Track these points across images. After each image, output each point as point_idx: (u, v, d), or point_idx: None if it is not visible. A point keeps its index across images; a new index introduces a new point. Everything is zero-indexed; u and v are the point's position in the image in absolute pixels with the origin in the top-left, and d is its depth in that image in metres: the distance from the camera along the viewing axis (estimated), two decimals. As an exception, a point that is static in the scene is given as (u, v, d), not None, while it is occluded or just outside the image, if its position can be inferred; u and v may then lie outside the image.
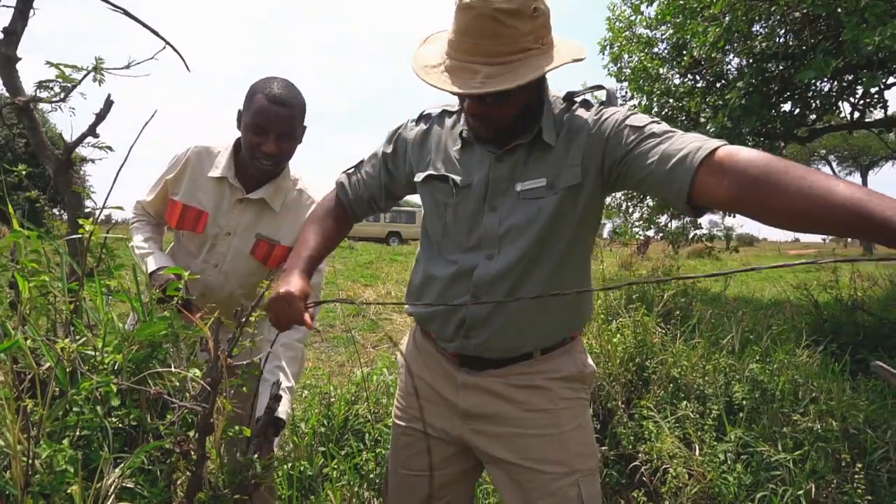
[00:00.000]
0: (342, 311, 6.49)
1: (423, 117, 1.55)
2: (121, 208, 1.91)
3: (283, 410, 1.63)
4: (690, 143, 1.12)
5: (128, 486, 1.14)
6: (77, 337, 1.28)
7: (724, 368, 3.35)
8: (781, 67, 5.78)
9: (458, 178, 1.40)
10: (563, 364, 1.46)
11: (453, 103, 1.51)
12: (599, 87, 1.42)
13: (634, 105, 7.55)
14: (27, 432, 1.03)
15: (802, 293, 5.79)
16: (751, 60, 5.71)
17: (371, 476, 2.51)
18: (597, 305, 4.10)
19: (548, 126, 1.33)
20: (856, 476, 2.34)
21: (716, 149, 1.08)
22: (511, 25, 1.16)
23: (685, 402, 3.05)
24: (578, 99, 1.38)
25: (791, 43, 5.45)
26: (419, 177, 1.49)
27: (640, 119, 1.25)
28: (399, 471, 1.60)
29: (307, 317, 1.36)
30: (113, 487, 1.11)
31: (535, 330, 1.41)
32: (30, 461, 1.00)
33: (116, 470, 1.12)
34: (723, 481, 2.54)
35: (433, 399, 1.54)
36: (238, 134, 1.82)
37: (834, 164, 32.53)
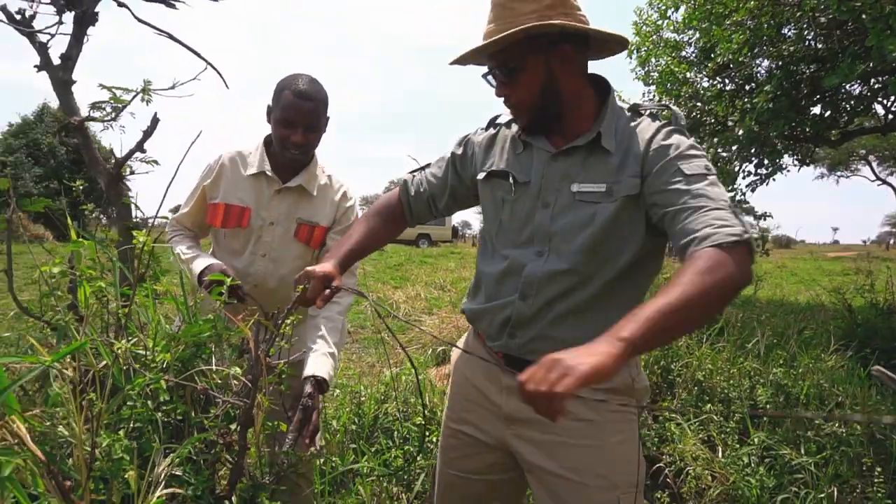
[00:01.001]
0: (372, 313, 6.62)
1: (492, 123, 1.62)
2: (165, 218, 2.05)
3: (325, 371, 1.75)
4: (701, 230, 1.13)
5: (176, 473, 1.23)
6: (130, 338, 1.40)
7: (748, 372, 3.36)
8: (811, 70, 5.72)
9: (517, 175, 1.45)
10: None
11: None
12: (666, 107, 1.40)
13: (662, 109, 7.51)
14: (88, 423, 1.14)
15: (837, 297, 5.71)
16: (780, 63, 5.66)
17: (399, 472, 2.61)
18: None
19: (608, 131, 1.34)
20: (876, 480, 2.34)
21: (702, 249, 1.10)
22: (512, 7, 1.31)
23: (709, 405, 3.07)
24: (644, 112, 1.40)
25: (820, 46, 5.39)
26: (482, 175, 1.54)
27: (693, 167, 1.24)
28: (446, 470, 1.63)
29: (320, 299, 1.43)
30: (163, 475, 1.22)
31: (581, 338, 1.33)
32: (91, 450, 1.11)
33: (166, 459, 1.22)
34: (745, 483, 2.57)
35: (479, 401, 1.54)
36: (265, 131, 2.01)
37: (874, 165, 31.63)
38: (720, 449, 2.81)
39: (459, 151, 1.64)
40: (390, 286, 9.96)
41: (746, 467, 2.67)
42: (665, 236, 1.33)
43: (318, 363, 1.76)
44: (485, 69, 1.42)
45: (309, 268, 1.46)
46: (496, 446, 1.52)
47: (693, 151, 1.26)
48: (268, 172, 1.97)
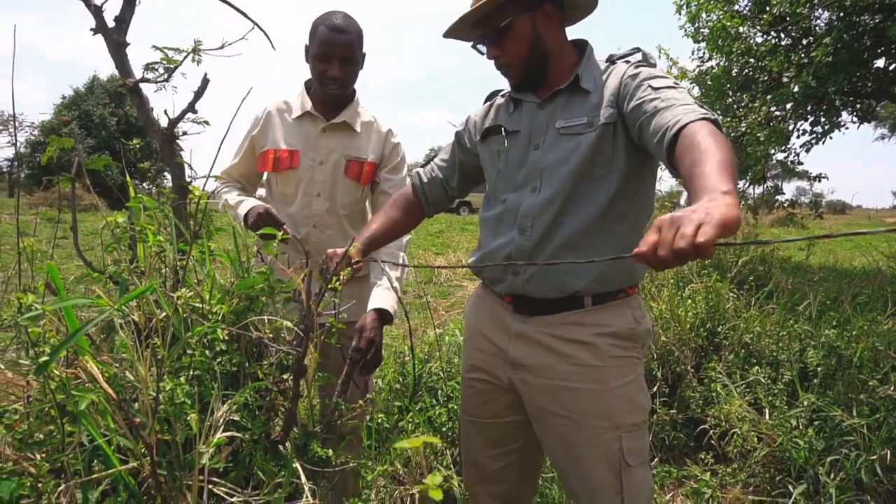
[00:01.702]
0: (415, 277, 6.69)
1: (488, 97, 1.76)
2: (216, 177, 2.09)
3: (388, 304, 1.84)
4: (672, 118, 1.19)
5: (234, 419, 1.29)
6: (188, 289, 1.45)
7: (799, 335, 3.28)
8: (876, 20, 5.39)
9: (507, 126, 1.59)
10: (614, 319, 1.47)
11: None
12: (637, 50, 1.53)
13: (712, 66, 7.24)
14: (152, 369, 1.21)
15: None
16: (841, 14, 5.35)
17: (443, 429, 2.67)
18: (667, 272, 4.07)
19: (586, 74, 1.48)
20: (933, 442, 2.28)
21: (686, 125, 1.15)
22: None
23: (756, 368, 3.03)
24: (617, 60, 1.52)
25: (887, -6, 5.07)
26: (478, 137, 1.69)
27: (660, 82, 1.34)
28: (466, 418, 1.74)
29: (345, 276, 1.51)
30: (222, 420, 1.28)
31: (581, 271, 1.45)
32: (155, 393, 1.18)
33: (224, 406, 1.28)
34: (793, 445, 2.54)
35: (488, 349, 1.63)
36: (304, 76, 2.07)
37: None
38: (767, 411, 2.78)
39: (462, 127, 1.78)
40: (431, 252, 10.03)
41: (794, 429, 2.63)
42: (645, 162, 1.46)
43: (382, 296, 1.86)
44: (471, 44, 1.57)
45: (329, 250, 1.57)
46: (508, 388, 1.60)
47: (660, 74, 1.38)
48: (311, 111, 2.03)
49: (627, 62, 1.49)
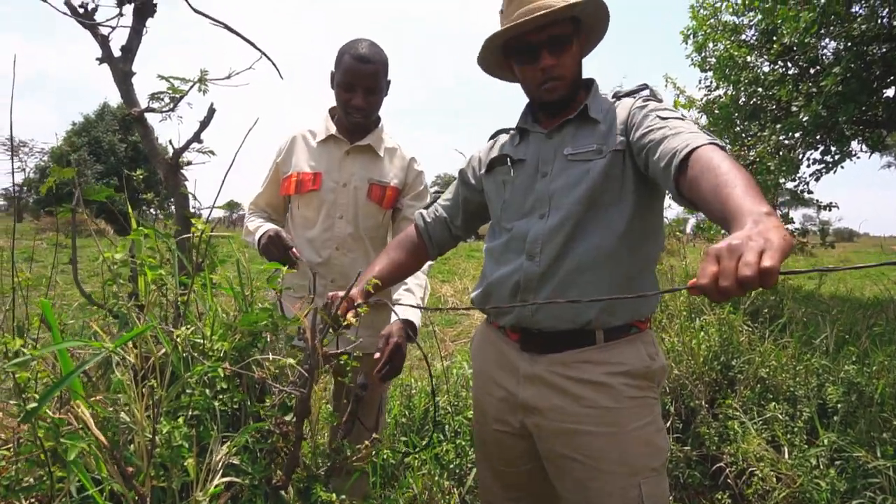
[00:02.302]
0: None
1: (492, 136, 1.76)
2: (223, 208, 2.07)
3: (414, 317, 1.82)
4: (681, 143, 1.19)
5: (234, 462, 1.23)
6: (188, 326, 1.40)
7: (816, 369, 3.19)
8: (885, 50, 5.39)
9: (513, 156, 1.58)
10: (628, 356, 1.42)
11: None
12: (645, 87, 1.54)
13: (720, 95, 7.25)
14: (149, 410, 1.15)
15: (908, 292, 5.40)
16: (849, 44, 5.35)
17: (451, 466, 2.58)
18: (678, 302, 4.00)
19: (595, 105, 1.49)
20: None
21: (696, 148, 1.14)
22: None
23: (773, 404, 2.94)
24: (623, 96, 1.53)
25: (895, 24, 5.07)
26: (484, 170, 1.66)
27: (668, 113, 1.34)
28: (484, 464, 1.67)
29: (351, 316, 1.50)
30: (221, 463, 1.22)
31: (593, 293, 1.40)
32: (151, 436, 1.12)
33: (223, 448, 1.22)
34: (814, 486, 2.44)
35: (498, 394, 1.56)
36: (329, 103, 2.10)
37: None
38: (786, 449, 2.68)
39: (466, 165, 1.78)
40: (438, 280, 9.97)
41: (815, 469, 2.54)
42: (653, 194, 1.45)
43: (408, 311, 1.83)
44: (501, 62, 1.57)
45: (331, 293, 1.53)
46: (521, 434, 1.53)
47: (668, 107, 1.38)
48: (336, 134, 2.04)
49: (634, 97, 1.49)
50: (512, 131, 1.68)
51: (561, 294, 1.40)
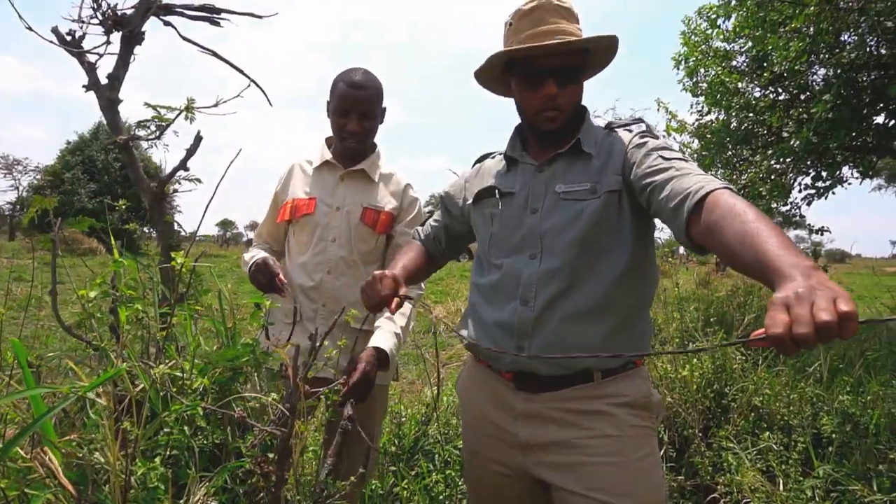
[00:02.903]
0: (413, 328, 6.58)
1: (477, 160, 1.73)
2: (205, 237, 2.04)
3: (386, 344, 1.81)
4: (694, 184, 1.16)
5: (212, 503, 1.19)
6: (167, 360, 1.37)
7: (810, 398, 3.16)
8: (873, 77, 5.45)
9: (502, 188, 1.53)
10: (627, 389, 1.39)
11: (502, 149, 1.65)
12: (640, 121, 1.50)
13: (711, 120, 7.30)
14: (124, 450, 1.11)
15: (900, 316, 5.38)
16: (839, 71, 5.41)
17: (440, 498, 2.53)
18: (671, 329, 3.97)
19: (587, 138, 1.44)
20: (962, 522, 2.15)
21: (712, 191, 1.11)
22: (570, 17, 1.41)
23: (768, 433, 2.90)
24: (618, 128, 1.49)
25: (884, 52, 5.12)
26: (470, 200, 1.62)
27: (671, 153, 1.31)
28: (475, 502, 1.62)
29: (393, 305, 1.42)
30: (199, 504, 1.18)
31: (589, 339, 1.36)
32: (126, 477, 1.08)
33: (202, 488, 1.18)
34: (810, 520, 2.40)
35: (492, 433, 1.51)
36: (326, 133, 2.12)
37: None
38: (781, 481, 2.64)
39: (447, 191, 1.76)
40: (431, 300, 9.93)
41: (810, 501, 2.49)
42: (648, 231, 1.43)
43: (383, 337, 1.83)
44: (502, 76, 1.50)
45: (377, 272, 1.48)
46: (520, 476, 1.47)
47: (669, 146, 1.35)
48: (330, 160, 2.06)
49: (629, 131, 1.45)
50: (498, 156, 1.64)
51: (556, 340, 1.36)
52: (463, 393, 1.65)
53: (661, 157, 1.30)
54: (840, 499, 2.51)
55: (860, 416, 2.88)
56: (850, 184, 6.59)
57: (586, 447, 1.36)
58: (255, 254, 2.04)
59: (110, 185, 28.61)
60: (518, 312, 1.40)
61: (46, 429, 1.01)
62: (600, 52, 1.44)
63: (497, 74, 1.52)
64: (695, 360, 3.46)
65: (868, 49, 5.14)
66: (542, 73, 1.39)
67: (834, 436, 2.81)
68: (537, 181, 1.47)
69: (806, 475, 2.66)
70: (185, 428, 1.26)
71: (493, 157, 1.67)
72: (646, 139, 1.39)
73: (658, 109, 7.88)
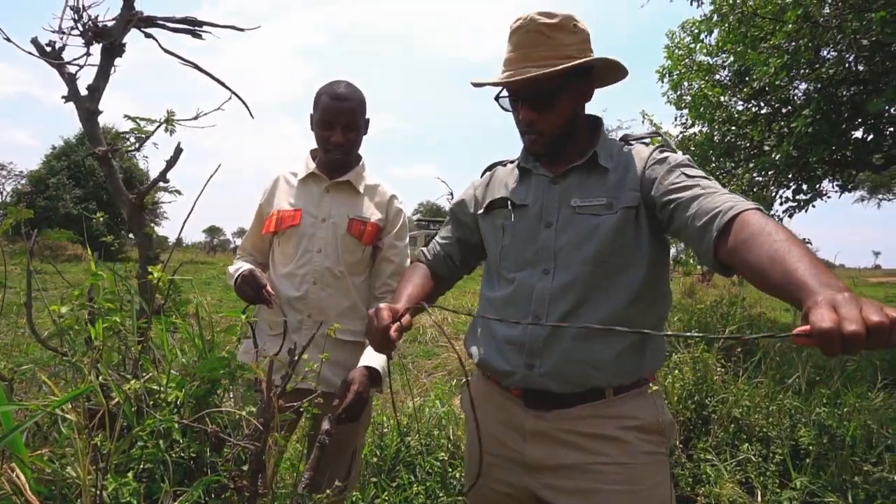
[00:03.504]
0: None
1: (488, 168, 1.71)
2: (194, 245, 2.04)
3: (377, 363, 1.83)
4: (723, 204, 1.13)
5: (185, 518, 1.18)
6: (143, 373, 1.37)
7: (789, 410, 3.20)
8: (852, 92, 5.55)
9: (514, 200, 1.50)
10: (639, 410, 1.36)
11: (514, 157, 1.64)
12: (656, 134, 1.50)
13: (695, 133, 7.38)
14: (96, 465, 1.11)
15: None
16: (819, 86, 5.50)
17: (421, 510, 2.53)
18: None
19: (604, 151, 1.41)
20: (934, 534, 2.18)
21: (743, 211, 1.09)
22: (554, 37, 1.35)
23: (747, 445, 2.93)
24: (634, 141, 1.47)
25: (861, 68, 5.22)
26: (481, 210, 1.59)
27: (694, 171, 1.29)
28: None
29: (392, 330, 1.31)
30: (172, 519, 1.17)
31: (602, 357, 1.33)
32: (98, 493, 1.08)
33: (176, 503, 1.17)
34: (787, 531, 2.42)
35: (499, 452, 1.47)
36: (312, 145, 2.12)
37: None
38: (759, 492, 2.67)
39: (455, 204, 1.73)
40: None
41: (788, 513, 2.52)
42: (664, 249, 1.40)
43: (373, 356, 1.85)
44: (495, 91, 1.46)
45: (382, 304, 1.39)
46: (525, 497, 1.44)
47: (691, 164, 1.34)
48: (315, 171, 2.07)
49: (646, 144, 1.44)
50: (510, 165, 1.61)
51: (568, 358, 1.33)
52: (469, 409, 1.60)
53: (684, 174, 1.28)
54: (816, 510, 2.54)
55: (837, 429, 2.92)
56: (829, 197, 6.69)
57: (598, 473, 1.33)
58: (241, 266, 2.03)
59: (95, 190, 28.38)
60: (530, 329, 1.37)
61: (16, 444, 1.00)
62: (602, 69, 1.42)
63: None
64: (676, 371, 3.49)
65: (847, 65, 5.23)
66: (516, 100, 1.41)
67: (811, 448, 2.84)
68: (551, 194, 1.44)
69: (784, 487, 2.69)
70: (160, 442, 1.26)
71: (505, 166, 1.64)
72: (666, 154, 1.37)
73: (643, 121, 7.97)
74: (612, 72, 1.44)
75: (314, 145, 2.09)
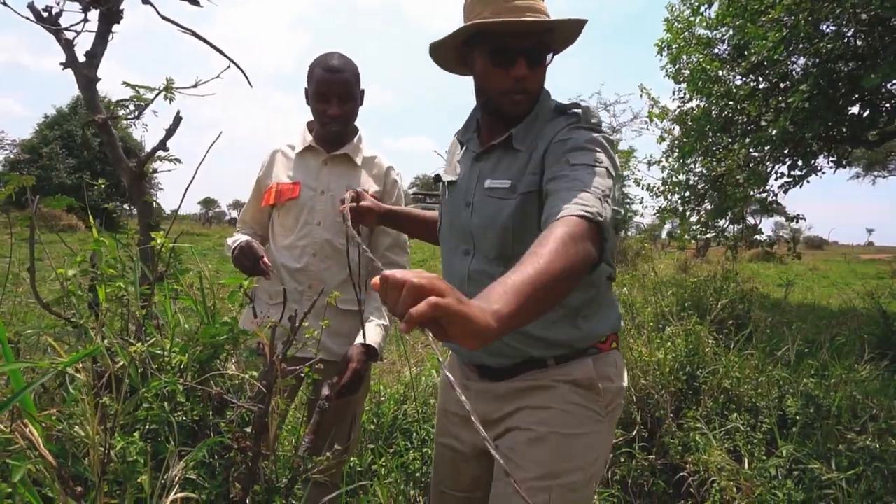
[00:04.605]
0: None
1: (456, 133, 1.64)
2: (189, 215, 2.05)
3: (374, 340, 1.91)
4: (564, 206, 1.09)
5: (190, 477, 1.22)
6: (147, 338, 1.39)
7: (777, 381, 3.27)
8: (850, 67, 5.53)
9: (446, 176, 1.52)
10: (575, 369, 1.36)
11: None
12: (576, 105, 1.39)
13: (693, 108, 7.36)
14: (104, 425, 1.14)
15: (871, 302, 5.55)
16: (817, 61, 5.48)
17: (417, 475, 2.59)
18: (646, 312, 4.05)
19: (521, 133, 1.37)
20: (913, 498, 2.25)
21: (565, 216, 1.05)
22: None
23: (735, 415, 3.00)
24: (561, 114, 1.39)
25: (860, 43, 5.20)
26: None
27: (580, 157, 1.22)
28: (437, 487, 1.63)
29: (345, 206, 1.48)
30: (177, 478, 1.21)
31: (530, 331, 1.34)
32: (106, 451, 1.11)
33: (181, 463, 1.21)
34: (772, 497, 2.50)
35: (456, 410, 1.56)
36: (307, 118, 2.15)
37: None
38: (746, 460, 2.74)
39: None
40: (413, 282, 9.93)
41: (773, 479, 2.59)
42: None
43: (371, 332, 1.93)
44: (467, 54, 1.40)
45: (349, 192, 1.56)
46: (475, 455, 1.51)
47: (587, 145, 1.25)
48: (313, 144, 2.08)
49: (567, 115, 1.37)
50: (459, 138, 1.58)
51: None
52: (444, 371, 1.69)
53: (567, 161, 1.22)
54: (801, 477, 2.61)
55: (823, 399, 2.99)
56: (824, 173, 6.72)
57: (517, 416, 1.37)
58: (238, 238, 2.05)
59: (90, 161, 28.15)
60: None
61: (26, 403, 1.03)
62: (564, 36, 1.39)
63: (458, 49, 1.42)
64: (669, 343, 3.55)
65: (845, 39, 5.21)
66: (514, 52, 1.32)
67: (798, 417, 2.91)
68: (473, 172, 1.44)
69: (770, 455, 2.76)
70: (165, 404, 1.29)
71: (458, 136, 1.61)
72: (573, 132, 1.30)
73: (641, 95, 7.94)
74: (565, 42, 1.41)
75: (309, 117, 2.10)
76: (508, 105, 1.37)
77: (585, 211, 1.05)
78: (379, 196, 2.11)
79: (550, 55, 1.38)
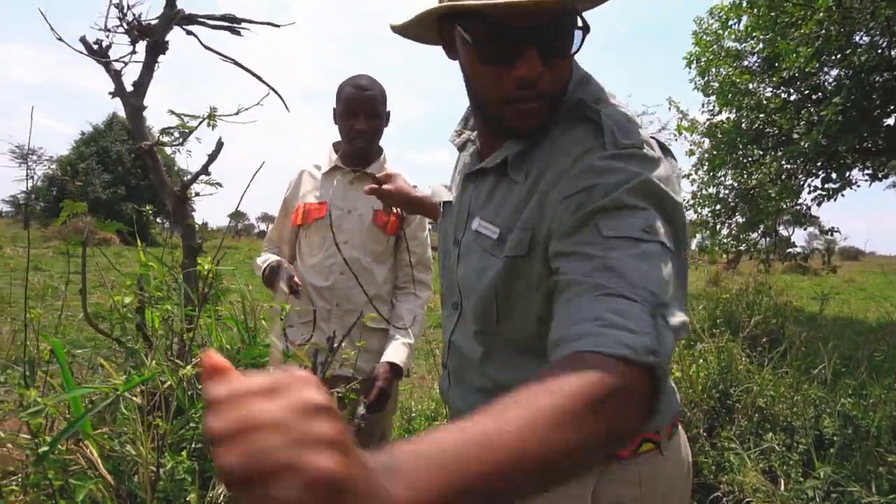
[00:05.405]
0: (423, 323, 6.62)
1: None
2: (229, 217, 2.11)
3: (399, 358, 1.97)
4: (586, 324, 0.66)
5: (235, 495, 1.26)
6: (193, 359, 1.45)
7: (814, 400, 3.21)
8: (884, 78, 5.43)
9: (445, 196, 1.16)
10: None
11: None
12: (600, 103, 0.91)
13: (723, 120, 7.29)
14: (154, 444, 1.19)
15: (910, 317, 5.40)
16: (850, 72, 5.40)
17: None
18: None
19: (519, 159, 0.94)
20: (957, 524, 2.19)
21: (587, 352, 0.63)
22: None
23: (770, 434, 2.95)
24: (585, 119, 0.89)
25: (894, 54, 5.12)
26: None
27: (619, 225, 0.75)
28: None
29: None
30: (223, 496, 1.26)
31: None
32: (156, 470, 1.16)
33: (226, 480, 1.25)
34: (810, 520, 2.45)
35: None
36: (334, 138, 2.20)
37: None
38: (782, 481, 2.69)
39: None
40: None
41: (811, 502, 2.54)
42: None
43: (396, 350, 1.99)
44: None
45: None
46: None
47: (629, 199, 0.76)
48: (339, 164, 2.13)
49: (597, 124, 0.86)
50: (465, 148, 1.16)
51: (465, 387, 1.08)
52: None
53: (596, 227, 0.75)
54: (840, 500, 2.55)
55: (861, 419, 2.92)
56: (858, 186, 6.58)
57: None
58: (268, 257, 2.11)
59: (124, 175, 28.91)
60: (441, 378, 1.18)
61: (84, 425, 1.08)
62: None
63: (432, 23, 0.95)
64: (701, 360, 3.51)
65: (879, 51, 5.13)
66: (515, 39, 0.83)
67: (835, 438, 2.85)
68: (464, 199, 1.06)
69: (807, 476, 2.71)
70: (210, 423, 1.33)
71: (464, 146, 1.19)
72: (603, 170, 0.80)
73: (669, 108, 7.89)
74: None
75: (335, 135, 2.15)
76: (513, 117, 0.90)
77: (628, 348, 0.62)
78: (403, 215, 2.15)
79: (580, 33, 0.86)
